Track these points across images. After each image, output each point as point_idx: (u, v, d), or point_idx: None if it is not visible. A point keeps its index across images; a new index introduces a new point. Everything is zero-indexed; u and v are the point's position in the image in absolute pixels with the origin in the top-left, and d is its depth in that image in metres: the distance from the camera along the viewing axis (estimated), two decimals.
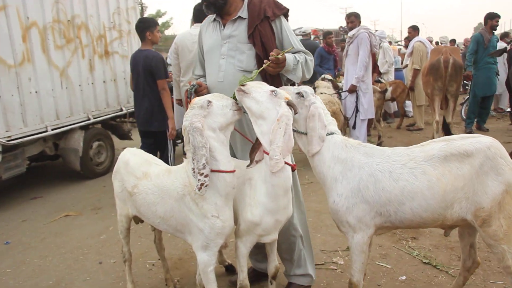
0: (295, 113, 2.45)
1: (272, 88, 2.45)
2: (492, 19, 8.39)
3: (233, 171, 2.46)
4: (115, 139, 7.89)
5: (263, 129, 2.39)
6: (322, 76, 7.68)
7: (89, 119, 6.94)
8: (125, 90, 7.82)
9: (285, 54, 2.71)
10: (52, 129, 6.24)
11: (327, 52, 9.14)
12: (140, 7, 8.10)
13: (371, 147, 2.61)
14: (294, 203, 3.09)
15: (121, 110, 7.73)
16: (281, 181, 2.45)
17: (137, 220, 3.19)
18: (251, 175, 2.62)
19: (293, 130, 2.54)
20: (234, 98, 2.50)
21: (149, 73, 5.13)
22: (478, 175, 2.35)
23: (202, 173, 2.27)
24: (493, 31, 8.53)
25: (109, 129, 7.81)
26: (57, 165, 8.05)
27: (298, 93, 2.59)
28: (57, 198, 6.22)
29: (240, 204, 2.65)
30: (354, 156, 2.54)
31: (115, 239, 4.47)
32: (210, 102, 2.41)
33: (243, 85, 2.45)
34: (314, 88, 6.85)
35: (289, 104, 2.40)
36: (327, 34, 9.42)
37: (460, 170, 2.37)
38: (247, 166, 2.60)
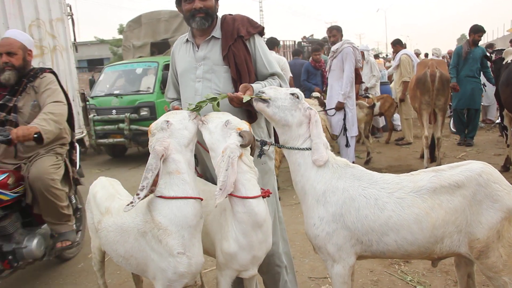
0: (246, 145, 2.27)
1: (229, 118, 2.34)
2: (475, 33, 8.42)
3: (201, 199, 2.30)
4: None
5: (215, 162, 2.27)
6: (311, 94, 7.58)
7: None
8: None
9: (252, 85, 2.57)
10: None
11: (314, 67, 9.06)
12: (70, 19, 6.80)
13: (360, 170, 2.42)
14: (277, 231, 2.91)
15: None
16: (246, 217, 2.27)
17: None
18: (226, 206, 2.43)
19: (292, 147, 2.42)
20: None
21: None
22: (471, 205, 2.19)
23: (138, 194, 2.16)
24: (476, 44, 8.53)
25: None
26: None
27: (292, 94, 2.41)
28: None
29: (217, 235, 2.46)
30: (340, 178, 2.36)
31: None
32: (167, 121, 2.31)
33: (205, 115, 2.42)
34: None
35: (241, 135, 2.26)
36: (314, 50, 9.36)
37: (451, 202, 2.21)
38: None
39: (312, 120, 2.39)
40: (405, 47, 10.05)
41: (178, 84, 2.98)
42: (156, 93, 9.31)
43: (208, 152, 2.45)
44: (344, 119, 6.66)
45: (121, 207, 2.54)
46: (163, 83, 8.99)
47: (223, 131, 2.29)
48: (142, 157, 9.97)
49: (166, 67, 9.36)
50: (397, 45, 10.05)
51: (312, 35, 17.55)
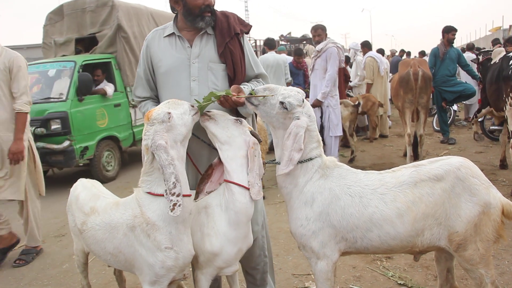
0: (259, 142, 2.41)
1: (232, 116, 2.45)
2: (448, 32, 8.59)
3: (189, 195, 2.31)
4: None
5: (228, 154, 2.36)
6: None
7: None
8: None
9: (243, 88, 2.55)
10: None
11: (295, 67, 9.11)
12: None
13: (346, 169, 2.46)
14: (264, 225, 2.96)
15: None
16: (244, 207, 2.34)
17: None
18: (206, 203, 2.46)
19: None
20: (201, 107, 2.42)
21: None
22: (451, 198, 2.24)
23: (174, 193, 2.09)
24: (451, 43, 8.69)
25: None
26: None
27: (282, 103, 2.32)
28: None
29: (196, 235, 2.45)
30: (327, 178, 2.40)
31: None
32: (169, 113, 2.22)
33: (208, 111, 2.43)
34: None
35: (253, 134, 2.40)
36: (297, 54, 9.39)
37: (432, 196, 2.26)
38: (195, 199, 2.45)
39: (287, 131, 2.32)
40: (370, 49, 10.42)
41: (154, 82, 2.82)
42: (71, 101, 7.30)
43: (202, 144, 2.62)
44: (322, 117, 6.59)
45: (108, 206, 2.56)
46: (81, 89, 7.38)
47: (238, 127, 2.40)
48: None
49: (86, 67, 7.82)
50: (365, 47, 10.35)
51: (289, 33, 17.55)
